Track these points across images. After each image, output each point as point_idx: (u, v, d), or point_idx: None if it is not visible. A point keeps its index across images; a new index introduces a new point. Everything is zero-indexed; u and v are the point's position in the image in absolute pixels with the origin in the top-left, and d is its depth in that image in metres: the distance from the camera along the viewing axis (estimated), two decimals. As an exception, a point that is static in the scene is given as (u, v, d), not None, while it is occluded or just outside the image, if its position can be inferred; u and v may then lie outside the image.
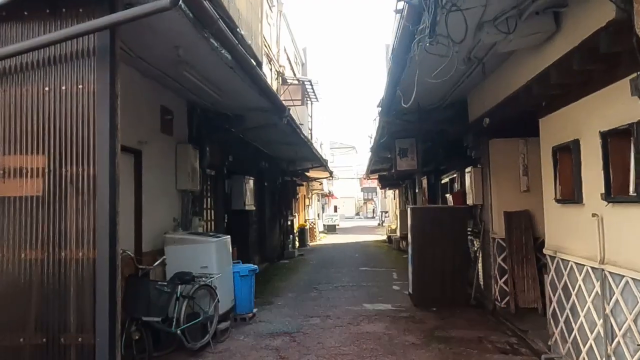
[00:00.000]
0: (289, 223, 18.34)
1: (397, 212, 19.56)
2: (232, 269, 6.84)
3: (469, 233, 8.35)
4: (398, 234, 18.95)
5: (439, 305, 7.81)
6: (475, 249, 8.39)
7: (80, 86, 3.40)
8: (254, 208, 12.08)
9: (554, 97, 4.75)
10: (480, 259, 8.08)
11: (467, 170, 8.40)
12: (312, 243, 22.77)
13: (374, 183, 57.30)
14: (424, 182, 14.12)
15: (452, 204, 9.58)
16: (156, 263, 4.99)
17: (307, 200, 26.29)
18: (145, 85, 6.26)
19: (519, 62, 5.25)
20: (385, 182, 22.12)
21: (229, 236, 6.93)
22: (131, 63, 5.66)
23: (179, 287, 5.39)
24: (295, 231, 19.89)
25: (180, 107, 7.51)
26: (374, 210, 57.30)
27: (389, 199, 38.48)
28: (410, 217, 8.09)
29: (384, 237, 25.45)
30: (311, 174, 21.97)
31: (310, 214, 27.32)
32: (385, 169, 20.56)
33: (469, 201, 8.27)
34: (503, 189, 7.41)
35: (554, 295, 5.11)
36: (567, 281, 4.75)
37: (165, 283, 4.72)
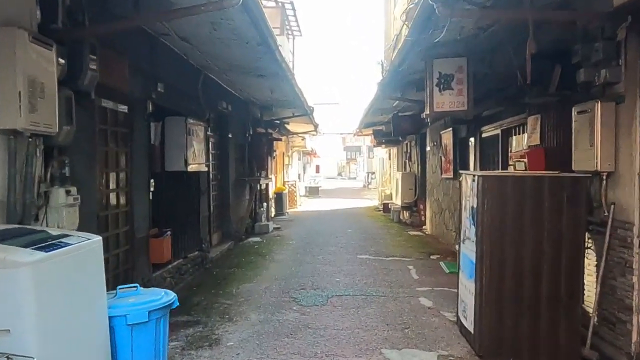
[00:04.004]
0: (264, 187, 14.49)
1: (398, 176, 15.85)
2: (105, 314, 3.00)
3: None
4: (398, 202, 15.31)
5: (528, 358, 4.20)
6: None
7: None
8: (205, 169, 8.15)
9: None
10: (600, 271, 4.39)
11: (578, 109, 4.58)
12: (291, 209, 19.06)
13: (359, 142, 53.36)
14: (446, 137, 10.31)
15: (520, 170, 5.85)
16: None
17: (286, 159, 22.36)
18: None
19: None
20: (382, 138, 18.25)
21: (99, 238, 3.03)
22: None
23: None
24: (271, 197, 16.06)
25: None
26: (361, 173, 54.12)
27: (377, 159, 34.78)
28: (478, 193, 4.29)
29: (376, 204, 21.89)
30: (292, 127, 17.98)
31: (290, 175, 23.47)
32: (382, 122, 16.69)
33: (583, 166, 4.49)
34: (679, 142, 3.65)
35: None
36: None
37: None
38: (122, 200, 5.59)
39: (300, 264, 8.41)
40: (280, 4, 14.08)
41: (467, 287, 4.68)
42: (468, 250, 4.66)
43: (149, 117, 6.21)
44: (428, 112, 6.02)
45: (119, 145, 5.53)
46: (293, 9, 14.49)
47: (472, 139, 8.99)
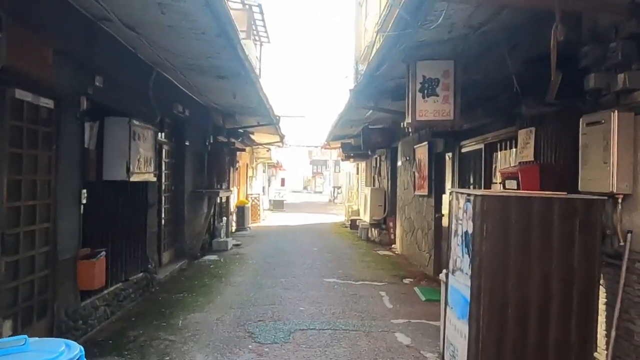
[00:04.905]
0: (224, 200, 13.50)
1: (367, 191, 15.15)
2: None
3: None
4: (367, 219, 14.59)
5: (532, 420, 3.45)
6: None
7: None
8: (154, 178, 7.15)
9: None
10: (616, 312, 3.71)
11: (587, 120, 3.95)
12: (254, 224, 18.07)
13: (326, 155, 52.82)
14: (421, 151, 9.68)
15: (511, 189, 5.19)
16: None
17: (250, 170, 21.39)
18: None
19: None
20: (350, 152, 17.59)
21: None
22: None
23: None
24: (232, 211, 15.06)
25: None
26: (328, 187, 53.72)
27: (344, 174, 34.19)
28: (475, 217, 3.55)
29: (342, 219, 21.16)
30: (257, 137, 17.09)
31: (254, 187, 22.48)
32: (351, 135, 16.04)
33: (594, 186, 3.84)
34: None
35: None
36: None
37: None
38: (42, 215, 4.56)
39: (260, 288, 7.49)
40: (247, 6, 13.26)
41: (457, 329, 3.91)
42: (459, 284, 3.90)
43: (83, 115, 5.23)
44: (409, 121, 5.29)
45: (40, 148, 4.53)
46: (261, 12, 13.69)
47: (449, 154, 8.37)
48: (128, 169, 5.89)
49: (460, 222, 3.97)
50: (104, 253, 5.55)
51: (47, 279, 4.66)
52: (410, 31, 4.33)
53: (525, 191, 4.36)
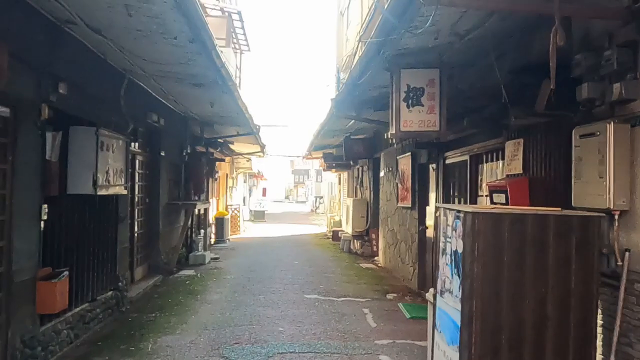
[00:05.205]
0: (202, 212, 13.09)
1: (349, 202, 14.89)
2: None
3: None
4: (349, 230, 14.32)
5: None
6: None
7: None
8: (125, 191, 6.76)
9: None
10: (615, 336, 3.49)
11: (581, 132, 3.75)
12: (233, 236, 17.65)
13: (307, 165, 52.51)
14: (404, 162, 9.47)
15: (500, 203, 4.97)
16: None
17: (230, 181, 20.97)
18: None
19: None
20: (332, 162, 17.35)
21: None
22: None
23: None
24: (210, 223, 14.64)
25: None
26: (310, 197, 53.45)
27: (326, 184, 33.99)
28: (465, 235, 3.30)
29: (324, 230, 20.86)
30: (237, 147, 16.72)
31: (234, 198, 22.05)
32: (333, 145, 15.82)
33: (588, 202, 3.63)
34: None
35: None
36: None
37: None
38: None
39: (238, 306, 7.12)
40: (226, 13, 12.96)
41: (446, 355, 3.64)
42: (449, 307, 3.63)
43: (45, 125, 4.85)
44: (394, 132, 5.04)
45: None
46: (241, 19, 13.39)
47: (433, 165, 8.17)
48: (95, 182, 5.51)
49: (449, 240, 3.71)
50: (66, 273, 5.13)
51: (0, 303, 4.25)
52: (395, 37, 4.10)
53: (517, 207, 4.13)
